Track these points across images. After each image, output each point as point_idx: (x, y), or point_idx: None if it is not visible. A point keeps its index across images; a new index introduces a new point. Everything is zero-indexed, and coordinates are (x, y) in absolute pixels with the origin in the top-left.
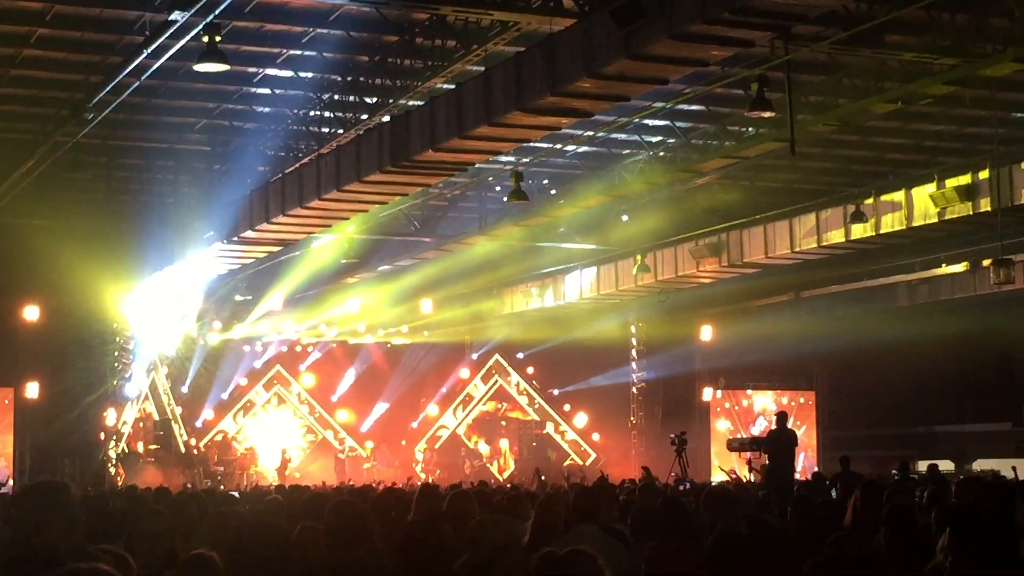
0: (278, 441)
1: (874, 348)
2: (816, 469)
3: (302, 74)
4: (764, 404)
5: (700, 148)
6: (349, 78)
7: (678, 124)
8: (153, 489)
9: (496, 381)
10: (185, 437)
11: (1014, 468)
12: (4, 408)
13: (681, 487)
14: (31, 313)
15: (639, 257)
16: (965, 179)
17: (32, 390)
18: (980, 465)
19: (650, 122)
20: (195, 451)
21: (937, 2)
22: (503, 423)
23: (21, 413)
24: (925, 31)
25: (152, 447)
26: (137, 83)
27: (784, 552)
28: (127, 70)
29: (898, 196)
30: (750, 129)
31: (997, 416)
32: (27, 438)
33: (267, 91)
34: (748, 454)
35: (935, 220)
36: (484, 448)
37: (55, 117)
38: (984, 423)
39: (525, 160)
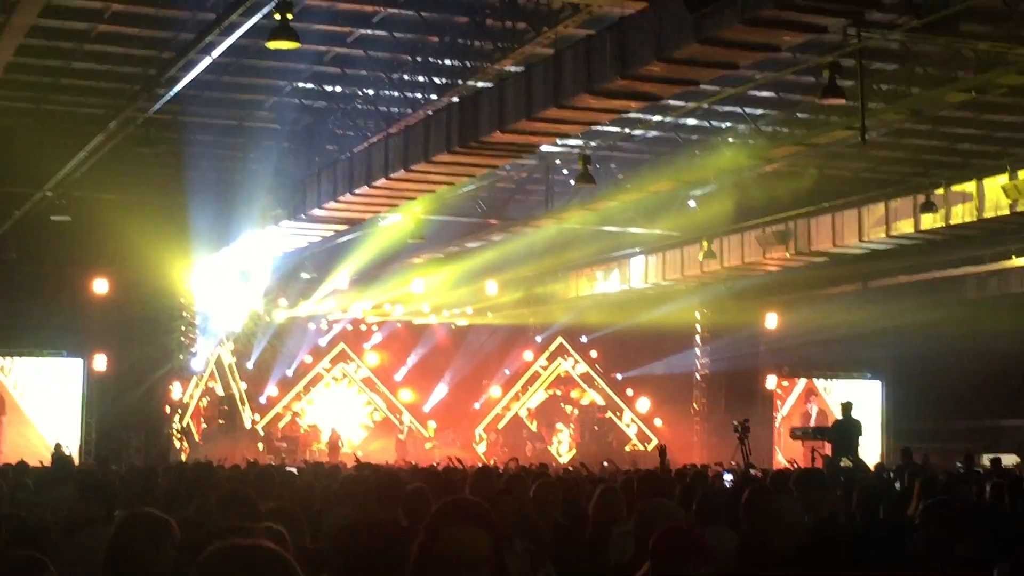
0: (340, 419)
1: (941, 340)
2: (879, 460)
3: (372, 54)
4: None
5: (769, 135)
6: (419, 58)
7: (748, 110)
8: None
9: (559, 364)
10: (250, 413)
11: None
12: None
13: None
14: (100, 286)
15: (705, 243)
16: None
17: (100, 362)
18: None
19: (720, 108)
20: (259, 427)
21: None
22: (565, 407)
23: (89, 385)
24: (1001, 20)
25: (220, 422)
26: (209, 60)
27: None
28: (198, 47)
29: (969, 187)
30: (820, 117)
31: None
32: (94, 410)
33: (337, 70)
34: (811, 443)
35: (1006, 212)
36: (549, 430)
37: (127, 92)
38: None
39: (593, 144)
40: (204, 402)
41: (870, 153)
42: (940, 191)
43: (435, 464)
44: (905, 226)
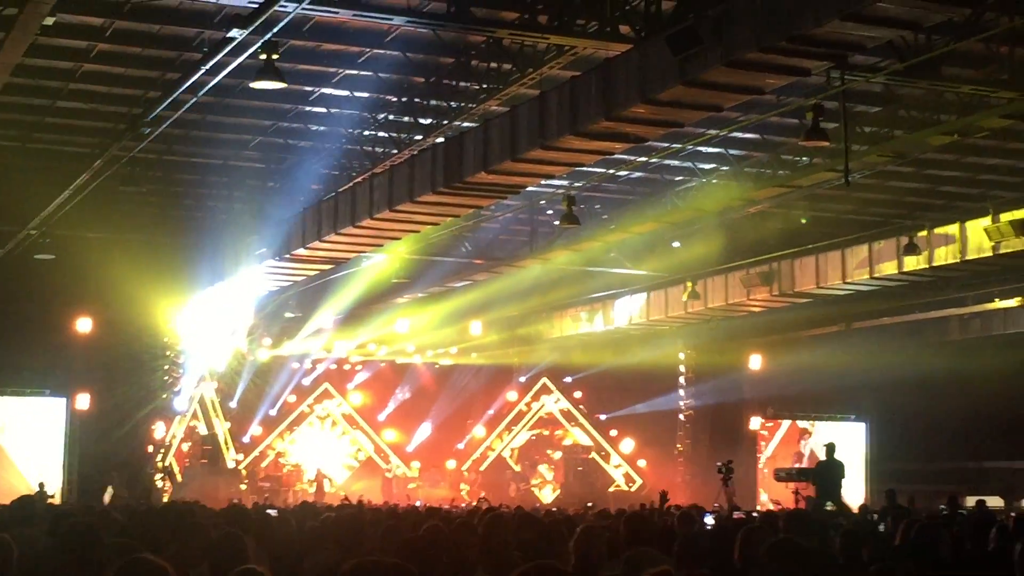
0: (323, 459)
1: (925, 382)
2: (863, 502)
3: (357, 94)
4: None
5: (753, 176)
6: (404, 99)
7: (732, 152)
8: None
9: (543, 404)
10: (233, 452)
11: None
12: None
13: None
14: (84, 325)
15: (689, 284)
16: (1020, 213)
17: (83, 401)
18: None
19: (704, 149)
20: (242, 467)
21: (996, 35)
22: (549, 448)
23: (72, 424)
24: (983, 64)
25: (202, 462)
26: (194, 99)
27: None
28: (184, 86)
29: (952, 229)
30: (804, 158)
31: None
32: (77, 450)
33: (322, 110)
34: (795, 484)
35: (989, 254)
36: (530, 471)
37: (112, 131)
38: None
39: (578, 184)
40: (187, 443)
41: (853, 195)
42: (923, 233)
43: (418, 505)
44: (888, 267)
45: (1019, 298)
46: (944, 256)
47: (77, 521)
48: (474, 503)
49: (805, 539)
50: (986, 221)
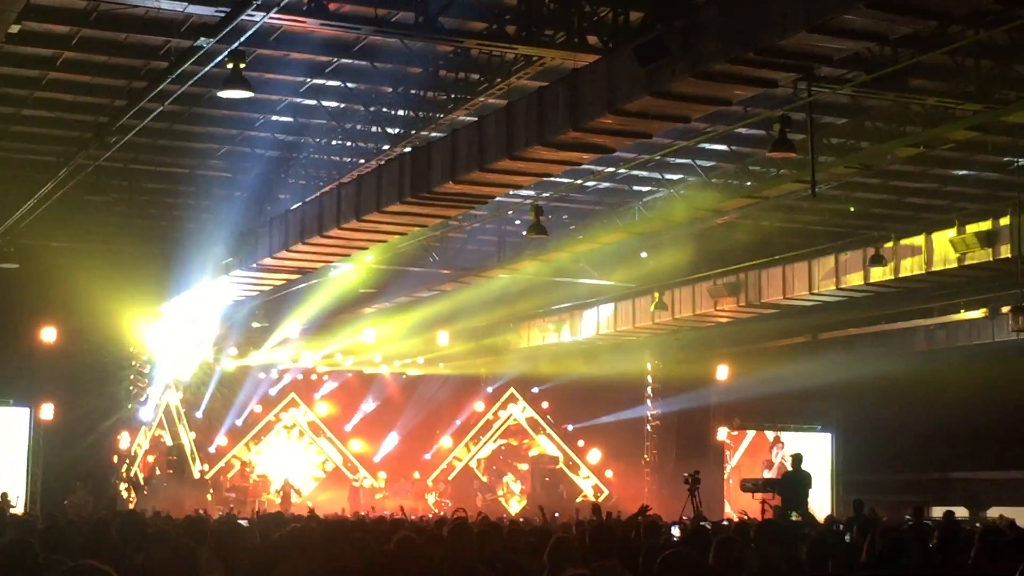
0: (290, 469)
1: (890, 392)
2: (829, 512)
3: (325, 103)
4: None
5: (721, 187)
6: (372, 108)
7: (699, 162)
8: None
9: (510, 414)
10: (198, 463)
11: None
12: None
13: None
14: (48, 335)
15: (657, 295)
16: (986, 225)
17: (47, 412)
18: (995, 513)
19: (671, 160)
20: (207, 477)
21: (961, 47)
22: (516, 459)
23: (36, 435)
24: (949, 76)
25: (168, 472)
26: (161, 108)
27: None
28: (151, 95)
29: (918, 240)
30: (771, 169)
31: (1013, 464)
32: (41, 460)
33: (289, 119)
34: (762, 495)
35: (955, 265)
36: (496, 481)
37: (78, 140)
38: (1000, 471)
39: (545, 194)
40: (153, 454)
41: (820, 206)
42: (890, 244)
43: (385, 515)
44: (855, 279)
45: (984, 309)
46: (910, 267)
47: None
48: (441, 514)
49: (772, 549)
50: (952, 233)
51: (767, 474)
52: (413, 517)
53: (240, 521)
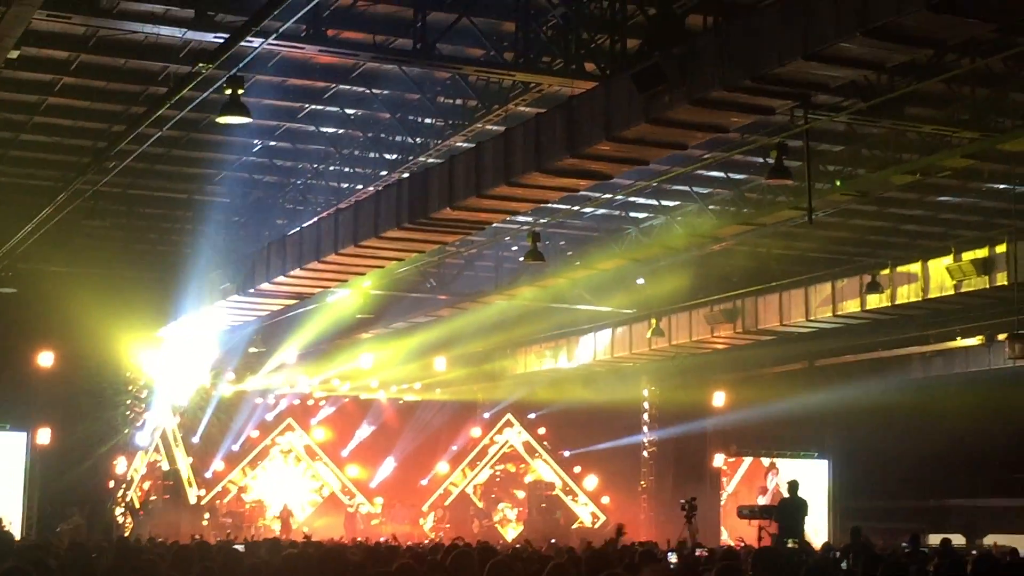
0: (287, 494)
1: (887, 419)
2: (827, 539)
3: (323, 129)
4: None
5: (718, 214)
6: (369, 134)
7: (696, 189)
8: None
9: (507, 440)
10: (195, 488)
11: None
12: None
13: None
14: (46, 359)
15: (654, 321)
16: (982, 252)
17: (44, 436)
18: (991, 540)
19: (668, 186)
20: (204, 502)
21: (958, 76)
22: (512, 485)
23: (33, 459)
24: (945, 104)
25: (164, 497)
26: (159, 133)
27: None
28: (150, 120)
29: (914, 268)
30: (768, 196)
31: (1010, 492)
32: (38, 484)
33: (287, 145)
34: (759, 521)
35: (951, 292)
36: (493, 507)
37: (76, 165)
38: (997, 498)
39: (543, 221)
40: (149, 479)
41: (817, 233)
42: (886, 271)
43: (381, 541)
44: (851, 305)
45: (981, 337)
46: (906, 294)
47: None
48: (438, 539)
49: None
50: (948, 260)
51: (762, 500)
52: (409, 543)
53: (236, 546)
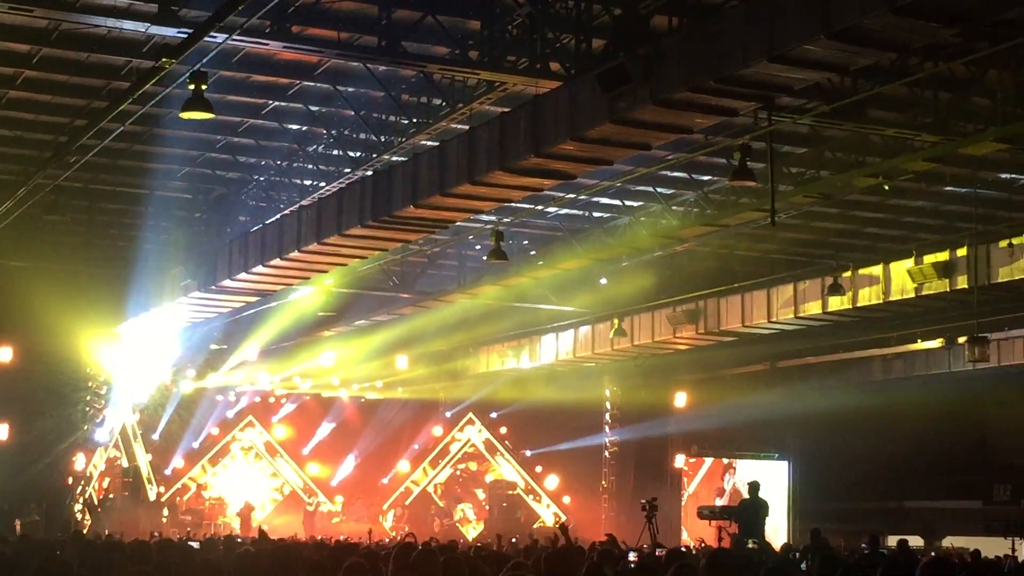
0: (247, 492)
1: (847, 421)
2: (786, 540)
3: (287, 125)
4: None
5: (681, 214)
6: (333, 131)
7: (660, 190)
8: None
9: (468, 439)
10: (154, 485)
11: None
12: None
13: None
14: (4, 354)
15: (616, 321)
16: (943, 256)
17: (2, 432)
18: (950, 542)
19: (632, 187)
20: (163, 499)
21: (920, 79)
22: (473, 484)
23: None
24: (908, 108)
25: (123, 494)
26: (121, 128)
27: None
28: (112, 115)
29: (876, 270)
30: (731, 198)
31: (968, 494)
32: None
33: (251, 141)
34: (719, 522)
35: (912, 295)
36: (453, 506)
37: (37, 159)
38: (955, 500)
39: (506, 220)
40: (108, 476)
41: (780, 235)
42: (848, 274)
43: (341, 538)
44: (813, 307)
45: (941, 339)
46: (868, 297)
47: None
48: (398, 537)
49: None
50: (909, 263)
51: (719, 501)
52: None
53: (192, 543)
